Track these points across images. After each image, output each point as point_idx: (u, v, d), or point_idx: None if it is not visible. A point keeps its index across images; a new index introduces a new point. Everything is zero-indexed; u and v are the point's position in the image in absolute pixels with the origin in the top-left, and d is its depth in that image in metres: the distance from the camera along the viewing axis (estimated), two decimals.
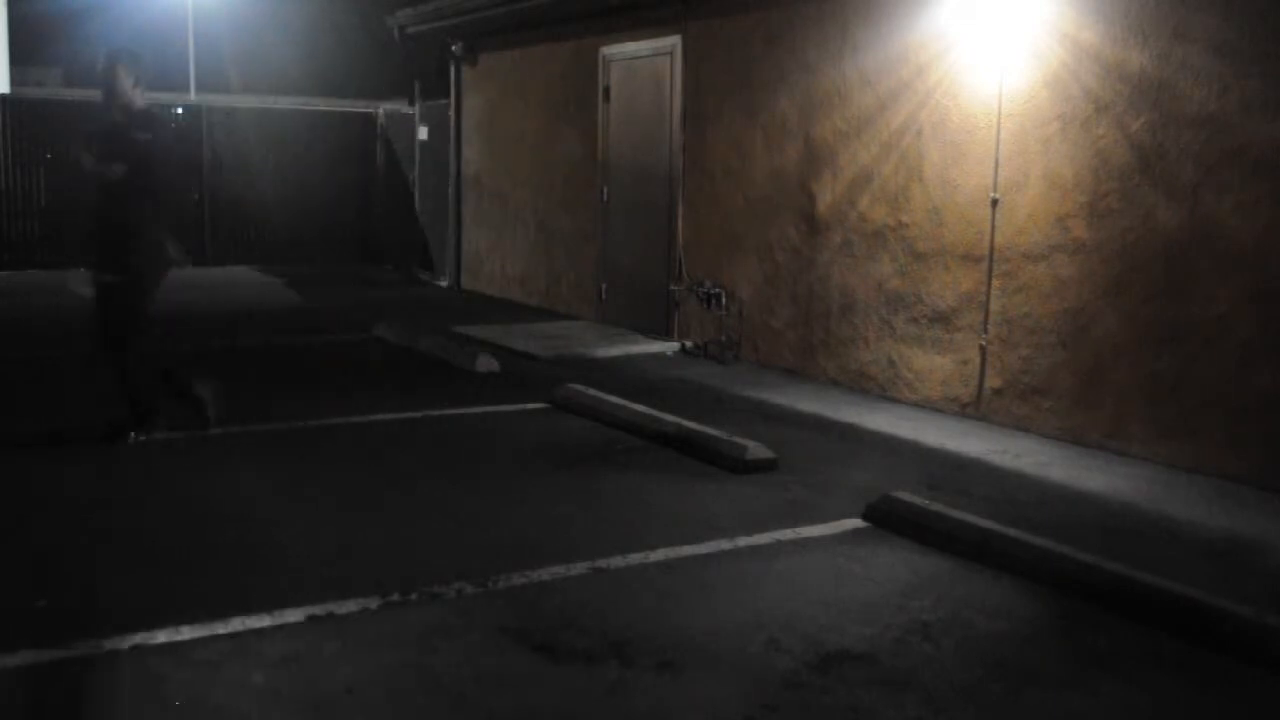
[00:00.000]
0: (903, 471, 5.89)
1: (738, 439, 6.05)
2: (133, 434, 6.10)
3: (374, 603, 4.03)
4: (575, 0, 10.50)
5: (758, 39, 8.72)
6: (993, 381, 6.99)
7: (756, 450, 5.92)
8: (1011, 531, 4.66)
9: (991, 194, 6.89)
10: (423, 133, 14.69)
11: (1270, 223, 5.55)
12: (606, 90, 10.63)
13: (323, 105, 18.15)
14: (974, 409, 7.11)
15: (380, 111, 16.39)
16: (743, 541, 4.81)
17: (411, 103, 15.12)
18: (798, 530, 4.96)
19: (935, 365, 7.37)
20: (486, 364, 8.45)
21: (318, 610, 3.95)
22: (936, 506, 4.98)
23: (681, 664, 3.63)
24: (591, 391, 7.28)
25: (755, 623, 3.95)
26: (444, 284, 14.04)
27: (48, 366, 8.38)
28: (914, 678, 3.57)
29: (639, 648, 3.73)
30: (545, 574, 4.37)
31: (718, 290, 9.14)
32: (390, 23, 13.74)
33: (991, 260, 6.93)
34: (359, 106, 17.24)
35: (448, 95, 13.64)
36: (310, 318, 11.17)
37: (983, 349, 7.03)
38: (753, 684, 3.51)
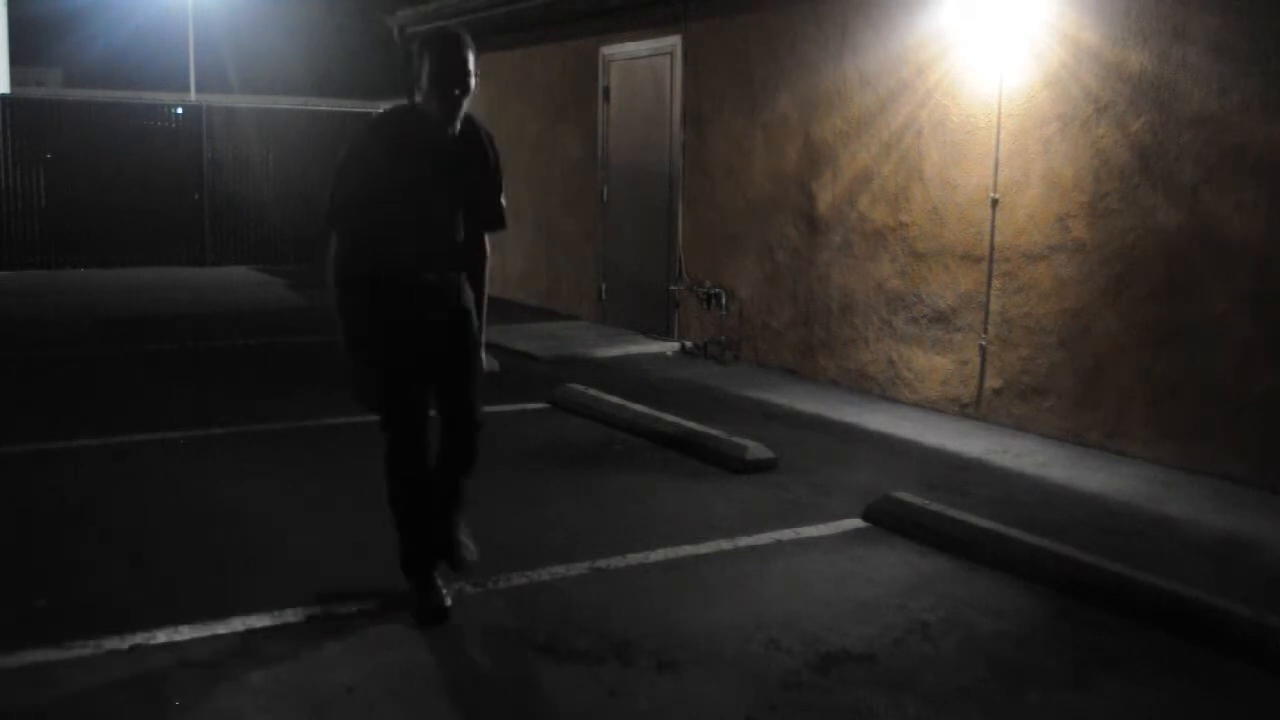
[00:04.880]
0: (903, 471, 5.89)
1: (738, 439, 6.05)
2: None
3: (374, 603, 4.02)
4: (575, 0, 10.50)
5: (758, 39, 8.72)
6: (993, 381, 6.99)
7: (756, 450, 5.92)
8: (1011, 531, 4.67)
9: (991, 194, 6.89)
10: None
11: (1270, 223, 5.55)
12: (606, 90, 10.63)
13: (323, 105, 18.17)
14: (974, 409, 7.11)
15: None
16: (743, 541, 4.81)
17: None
18: (798, 530, 4.96)
19: (935, 365, 7.37)
20: (487, 364, 8.38)
21: (318, 610, 3.95)
22: (936, 506, 4.98)
23: (681, 664, 3.63)
24: (591, 391, 7.29)
25: (755, 623, 3.95)
26: None
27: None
28: (914, 678, 3.57)
29: (639, 648, 3.73)
30: (545, 574, 4.37)
31: (718, 290, 9.14)
32: (390, 23, 13.74)
33: (991, 260, 6.93)
34: (359, 106, 17.25)
35: None
36: (310, 318, 11.17)
37: (983, 349, 7.03)
38: (753, 684, 3.51)
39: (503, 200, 4.16)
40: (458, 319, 4.08)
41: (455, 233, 4.00)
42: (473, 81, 3.88)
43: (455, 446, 4.12)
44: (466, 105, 3.90)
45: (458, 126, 3.91)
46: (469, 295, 4.09)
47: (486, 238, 4.14)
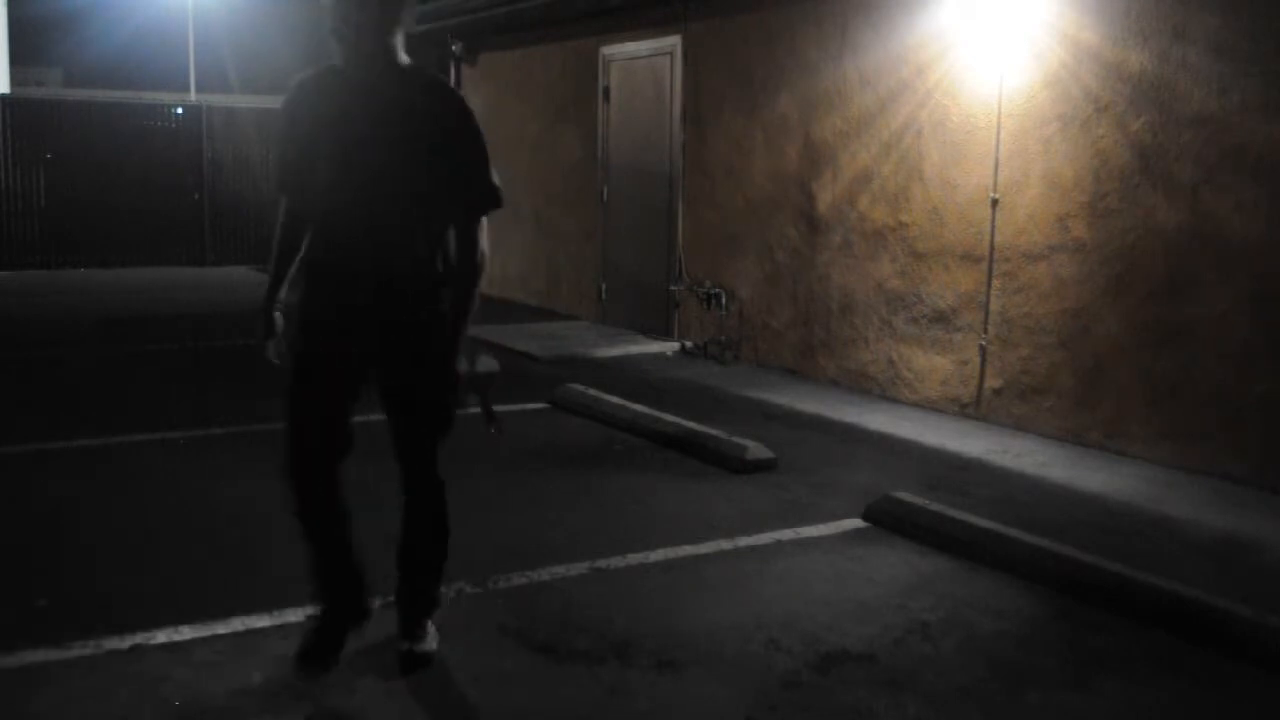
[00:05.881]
0: (903, 471, 5.89)
1: (738, 439, 6.05)
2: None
3: (374, 603, 4.02)
4: (575, 0, 10.50)
5: (758, 39, 8.72)
6: (993, 381, 6.99)
7: (756, 450, 5.92)
8: (1011, 531, 4.67)
9: (991, 194, 6.89)
10: None
11: (1270, 223, 5.55)
12: (606, 90, 10.63)
13: None
14: (974, 409, 7.11)
15: None
16: (743, 541, 4.81)
17: None
18: (798, 530, 4.96)
19: (935, 365, 7.37)
20: (486, 364, 8.42)
21: (318, 610, 3.94)
22: (936, 506, 4.98)
23: (681, 664, 3.63)
24: (591, 391, 7.29)
25: (755, 623, 3.95)
26: None
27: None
28: (914, 678, 3.57)
29: (639, 648, 3.73)
30: (545, 574, 4.37)
31: (718, 290, 9.14)
32: None
33: (991, 260, 6.93)
34: None
35: None
36: None
37: (983, 349, 7.03)
38: (753, 684, 3.51)
39: (492, 174, 3.32)
40: (409, 330, 3.33)
41: (412, 213, 3.27)
42: (360, 18, 3.14)
43: (415, 515, 3.54)
44: (368, 52, 3.19)
45: (376, 76, 3.22)
46: (442, 299, 3.37)
47: (482, 225, 3.33)
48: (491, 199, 3.32)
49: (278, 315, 3.48)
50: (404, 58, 3.28)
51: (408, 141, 3.22)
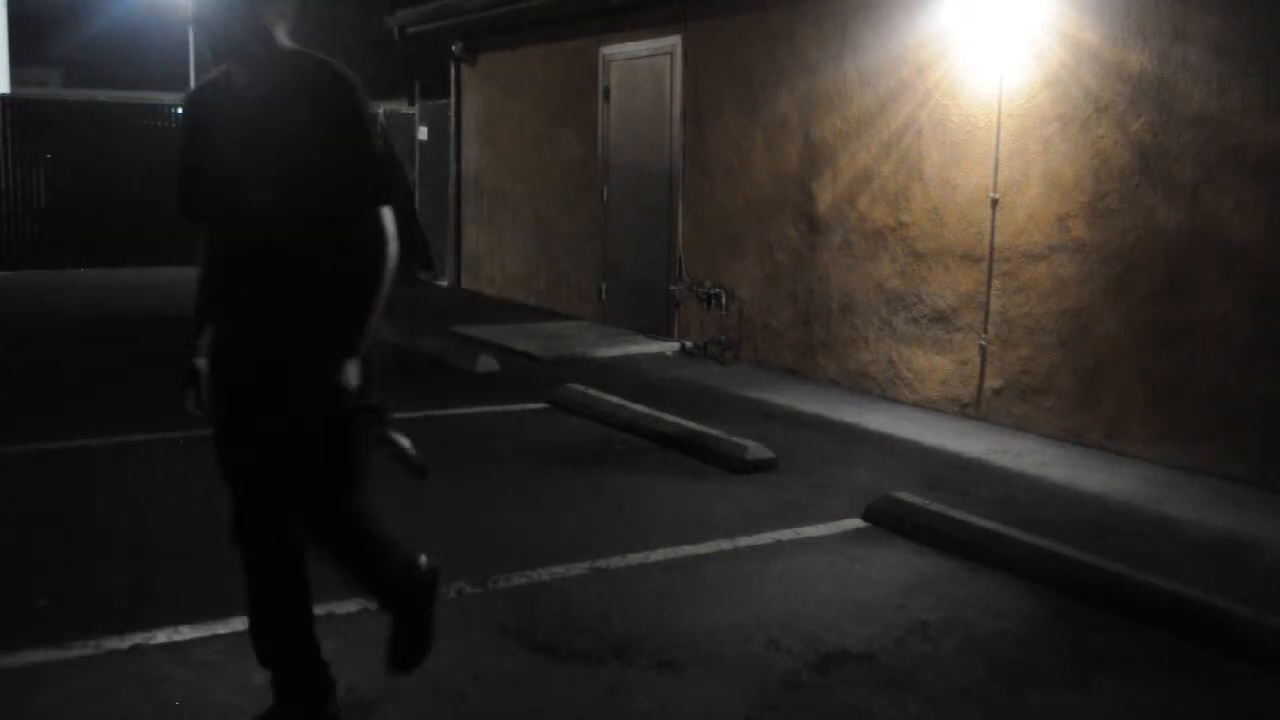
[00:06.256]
0: (903, 471, 5.89)
1: (738, 439, 6.05)
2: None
3: (374, 602, 4.02)
4: (575, 0, 10.50)
5: (758, 39, 8.72)
6: (993, 381, 6.99)
7: (756, 450, 5.92)
8: (1011, 531, 4.67)
9: (991, 194, 6.89)
10: (423, 133, 14.69)
11: (1270, 223, 5.55)
12: (606, 90, 10.63)
13: None
14: (974, 409, 7.11)
15: (380, 111, 16.38)
16: (743, 541, 4.81)
17: (411, 103, 15.13)
18: (798, 530, 4.96)
19: (935, 365, 7.37)
20: (487, 364, 8.45)
21: (318, 610, 3.92)
22: (936, 506, 4.98)
23: (681, 664, 3.63)
24: (591, 391, 7.29)
25: (755, 623, 3.95)
26: (444, 284, 14.04)
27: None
28: (914, 678, 3.57)
29: (639, 648, 3.73)
30: (545, 574, 4.37)
31: (718, 290, 9.14)
32: (390, 23, 13.74)
33: (991, 260, 6.93)
34: None
35: (448, 95, 13.65)
36: None
37: (983, 349, 7.03)
38: (753, 684, 3.51)
39: (380, 165, 2.90)
40: (276, 365, 2.92)
41: (310, 219, 2.86)
42: (228, 16, 2.85)
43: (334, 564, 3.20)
44: (242, 49, 2.88)
45: (254, 76, 2.89)
46: (328, 328, 2.86)
47: (383, 219, 2.88)
48: (381, 194, 2.89)
49: (199, 361, 3.10)
50: (286, 45, 2.94)
51: (296, 143, 2.84)
